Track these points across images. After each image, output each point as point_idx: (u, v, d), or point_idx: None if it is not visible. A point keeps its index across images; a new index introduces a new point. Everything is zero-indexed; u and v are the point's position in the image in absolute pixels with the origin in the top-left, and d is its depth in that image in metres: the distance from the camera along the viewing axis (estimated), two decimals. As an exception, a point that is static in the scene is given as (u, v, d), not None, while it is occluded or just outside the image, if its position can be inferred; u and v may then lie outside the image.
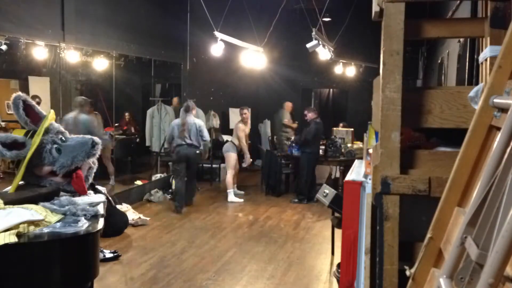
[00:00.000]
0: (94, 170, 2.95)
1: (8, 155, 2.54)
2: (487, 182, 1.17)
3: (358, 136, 9.16)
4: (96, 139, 2.79)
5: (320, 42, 7.35)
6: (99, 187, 3.09)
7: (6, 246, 2.13)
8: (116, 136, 8.09)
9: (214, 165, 9.22)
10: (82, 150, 2.72)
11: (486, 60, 1.93)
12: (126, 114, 9.01)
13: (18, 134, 2.73)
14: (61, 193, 2.68)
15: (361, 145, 8.10)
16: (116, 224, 5.66)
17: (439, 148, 2.08)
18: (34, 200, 2.49)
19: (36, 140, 2.61)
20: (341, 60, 10.19)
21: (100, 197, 2.85)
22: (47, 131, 2.70)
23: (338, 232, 4.18)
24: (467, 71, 4.03)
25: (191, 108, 7.09)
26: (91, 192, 2.89)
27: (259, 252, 5.23)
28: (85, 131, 5.24)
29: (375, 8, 2.10)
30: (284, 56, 11.13)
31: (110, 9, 7.35)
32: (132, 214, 6.23)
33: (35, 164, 2.62)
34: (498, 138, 1.21)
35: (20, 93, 2.67)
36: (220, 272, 4.60)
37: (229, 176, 7.83)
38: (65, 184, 2.70)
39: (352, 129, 9.59)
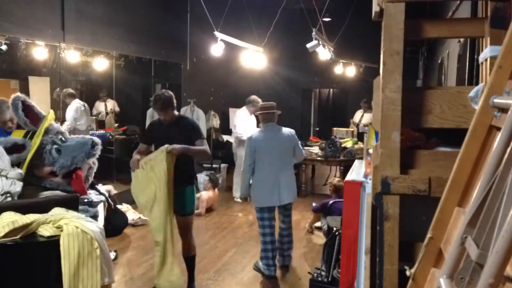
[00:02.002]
0: (94, 170, 2.96)
1: (11, 159, 2.54)
2: (487, 182, 1.17)
3: (358, 135, 9.17)
4: (96, 139, 2.80)
5: (320, 42, 7.35)
6: (99, 187, 3.09)
7: (6, 246, 2.14)
8: (116, 136, 8.09)
9: (214, 165, 9.22)
10: (82, 150, 2.72)
11: (486, 60, 1.93)
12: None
13: (17, 135, 2.73)
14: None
15: (361, 145, 8.10)
16: (116, 224, 5.66)
17: (439, 148, 2.08)
18: (49, 207, 2.46)
19: (36, 141, 2.61)
20: (341, 60, 10.19)
21: (100, 197, 2.86)
22: (46, 131, 2.70)
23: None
24: (467, 71, 4.03)
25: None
26: (91, 191, 2.90)
27: (259, 252, 5.22)
28: None
29: (375, 8, 2.10)
30: (284, 56, 11.13)
31: (110, 9, 7.35)
32: (132, 214, 6.22)
33: (35, 164, 2.62)
34: (498, 138, 1.21)
35: (19, 93, 2.67)
36: (220, 272, 4.60)
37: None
38: (65, 184, 2.70)
39: (353, 129, 9.59)
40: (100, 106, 8.68)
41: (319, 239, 5.75)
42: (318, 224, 6.06)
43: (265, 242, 4.52)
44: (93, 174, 2.99)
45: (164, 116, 3.79)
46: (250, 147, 4.45)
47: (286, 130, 4.59)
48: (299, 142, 4.72)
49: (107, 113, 8.63)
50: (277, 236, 4.71)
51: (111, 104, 8.55)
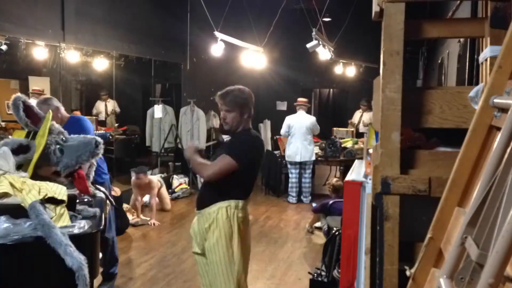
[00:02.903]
0: (94, 168, 2.96)
1: (17, 160, 2.53)
2: (487, 182, 1.17)
3: (357, 135, 9.16)
4: (98, 138, 2.79)
5: (320, 42, 7.35)
6: (99, 187, 3.10)
7: (6, 246, 2.14)
8: (116, 136, 8.10)
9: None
10: (86, 150, 2.72)
11: (486, 60, 1.93)
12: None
13: (18, 136, 2.72)
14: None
15: (361, 145, 8.11)
16: (118, 226, 5.67)
17: (439, 148, 2.08)
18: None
19: (42, 141, 2.60)
20: (341, 60, 10.19)
21: (101, 194, 2.86)
22: (49, 131, 2.69)
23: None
24: (467, 71, 4.03)
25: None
26: (92, 187, 2.90)
27: (259, 252, 5.22)
28: None
29: (375, 8, 2.10)
30: (284, 56, 11.13)
31: (110, 9, 7.35)
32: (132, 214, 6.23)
33: (39, 165, 2.61)
34: (498, 138, 1.21)
35: (19, 94, 2.66)
36: (220, 272, 4.59)
37: None
38: (67, 184, 2.70)
39: (353, 129, 9.60)
40: (100, 106, 8.68)
41: (319, 239, 5.75)
42: (318, 224, 6.04)
43: (291, 183, 7.68)
44: (93, 173, 2.99)
45: (223, 120, 2.96)
46: (286, 123, 7.69)
47: (309, 116, 7.82)
48: (316, 123, 7.78)
49: (107, 114, 8.62)
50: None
51: (112, 105, 8.54)
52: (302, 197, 7.75)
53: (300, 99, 8.02)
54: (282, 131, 7.76)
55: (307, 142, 7.59)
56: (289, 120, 7.74)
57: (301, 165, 7.68)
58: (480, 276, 1.01)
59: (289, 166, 7.71)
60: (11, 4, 5.59)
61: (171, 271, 4.58)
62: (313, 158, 7.73)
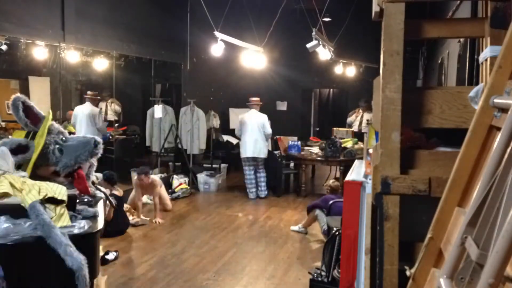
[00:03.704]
0: (94, 169, 2.96)
1: (15, 160, 2.53)
2: (487, 182, 1.17)
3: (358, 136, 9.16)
4: (97, 138, 2.79)
5: (320, 42, 7.34)
6: (99, 187, 3.09)
7: (6, 246, 2.14)
8: (116, 136, 8.09)
9: (214, 165, 9.23)
10: (85, 149, 2.71)
11: (486, 60, 1.93)
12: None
13: (18, 136, 2.72)
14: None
15: (361, 145, 8.11)
16: (118, 227, 5.67)
17: (439, 148, 2.08)
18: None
19: (40, 141, 2.60)
20: (341, 60, 10.19)
21: (101, 194, 2.86)
22: (49, 131, 2.69)
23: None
24: (467, 71, 4.03)
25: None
26: (92, 188, 2.89)
27: (259, 252, 5.23)
28: None
29: (375, 8, 2.10)
30: (284, 56, 11.13)
31: (110, 9, 7.35)
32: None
33: (38, 165, 2.61)
34: (498, 138, 1.21)
35: (19, 94, 2.65)
36: (220, 272, 4.60)
37: None
38: (67, 184, 2.70)
39: (353, 129, 9.60)
40: (107, 108, 8.63)
41: (319, 239, 5.75)
42: (295, 228, 6.02)
43: (247, 179, 7.98)
44: (93, 173, 2.98)
45: None
46: (238, 122, 7.93)
47: (261, 114, 7.97)
48: (268, 122, 7.99)
49: (116, 113, 8.56)
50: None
51: (117, 104, 8.49)
52: (258, 192, 7.99)
53: (252, 98, 8.20)
54: (236, 130, 8.13)
55: (258, 138, 7.81)
56: (240, 117, 8.05)
57: (254, 161, 7.91)
58: (480, 276, 1.01)
59: (243, 164, 7.98)
60: (11, 4, 5.59)
61: (171, 271, 4.58)
62: (265, 155, 7.95)
